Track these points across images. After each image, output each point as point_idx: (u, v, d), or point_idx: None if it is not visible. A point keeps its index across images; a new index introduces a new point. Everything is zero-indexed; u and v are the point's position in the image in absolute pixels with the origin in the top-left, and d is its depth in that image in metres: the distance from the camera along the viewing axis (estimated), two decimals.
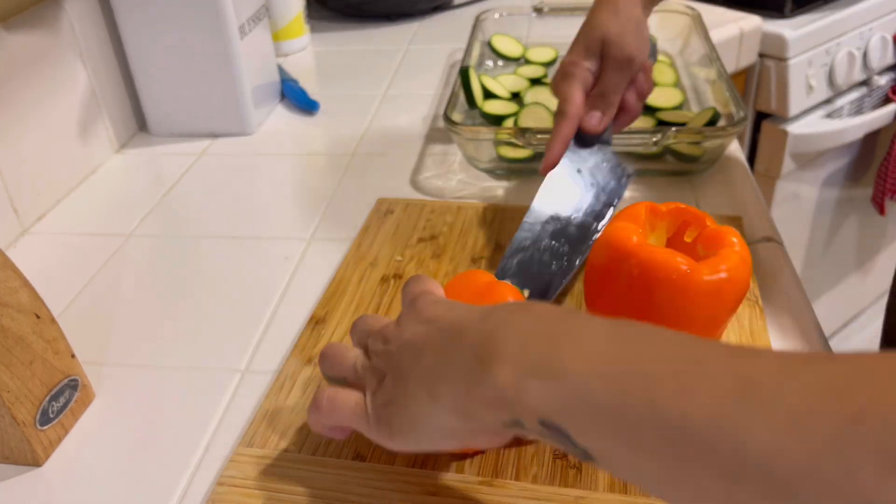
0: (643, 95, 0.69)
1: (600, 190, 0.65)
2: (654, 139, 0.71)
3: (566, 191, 0.64)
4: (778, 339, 0.54)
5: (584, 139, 0.66)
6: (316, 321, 0.59)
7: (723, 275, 0.45)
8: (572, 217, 0.63)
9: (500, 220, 0.69)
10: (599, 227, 0.63)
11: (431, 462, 0.47)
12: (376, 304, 0.60)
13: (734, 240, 0.48)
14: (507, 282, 0.53)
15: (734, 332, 0.54)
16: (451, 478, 0.45)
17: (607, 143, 0.66)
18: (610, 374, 0.30)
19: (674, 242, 0.52)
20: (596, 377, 0.30)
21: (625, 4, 0.65)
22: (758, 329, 0.54)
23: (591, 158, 0.66)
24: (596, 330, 0.32)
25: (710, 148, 0.73)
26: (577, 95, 0.64)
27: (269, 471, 0.47)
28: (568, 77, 0.65)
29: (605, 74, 0.65)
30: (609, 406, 0.29)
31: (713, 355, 0.28)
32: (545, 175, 0.64)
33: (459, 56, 0.99)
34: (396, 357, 0.40)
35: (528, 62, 0.96)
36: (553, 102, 0.68)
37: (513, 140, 0.73)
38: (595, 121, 0.65)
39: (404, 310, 0.43)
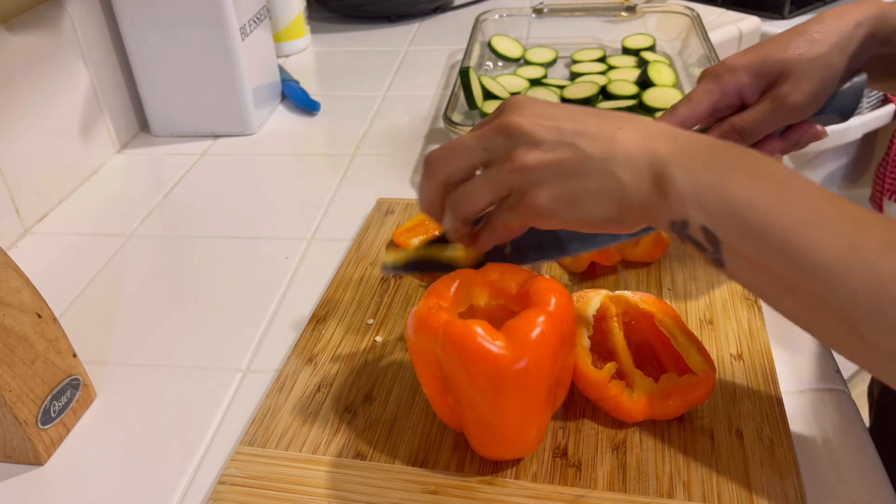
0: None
1: None
2: None
3: None
4: (776, 339, 0.55)
5: None
6: (316, 321, 0.59)
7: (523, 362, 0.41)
8: None
9: None
10: None
11: (431, 461, 0.47)
12: (376, 304, 0.60)
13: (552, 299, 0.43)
14: None
15: (732, 332, 0.54)
16: (450, 477, 0.46)
17: None
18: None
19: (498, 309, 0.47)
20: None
21: (838, 36, 0.50)
22: (756, 328, 0.55)
23: None
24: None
25: None
26: (701, 102, 0.52)
27: (270, 470, 0.47)
28: (708, 78, 0.52)
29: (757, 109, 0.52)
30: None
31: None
32: None
33: (459, 57, 0.99)
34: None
35: (527, 63, 0.97)
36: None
37: None
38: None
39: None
